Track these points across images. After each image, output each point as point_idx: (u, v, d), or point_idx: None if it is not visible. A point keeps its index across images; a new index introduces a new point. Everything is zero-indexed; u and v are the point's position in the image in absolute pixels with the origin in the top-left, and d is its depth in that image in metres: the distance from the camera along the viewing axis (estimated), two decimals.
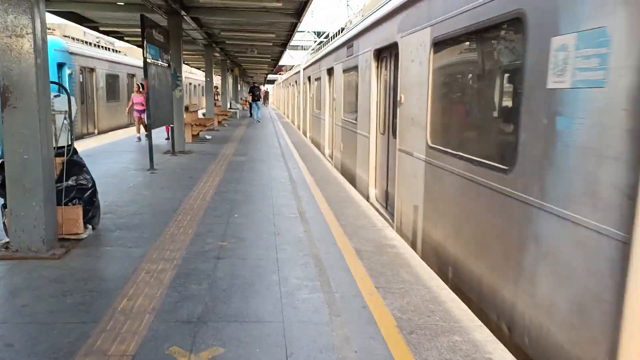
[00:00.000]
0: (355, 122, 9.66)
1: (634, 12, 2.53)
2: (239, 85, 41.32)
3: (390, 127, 7.48)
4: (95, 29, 16.46)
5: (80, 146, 13.03)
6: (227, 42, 19.17)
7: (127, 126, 22.26)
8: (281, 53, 22.47)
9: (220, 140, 16.24)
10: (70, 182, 5.20)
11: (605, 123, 2.71)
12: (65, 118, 5.28)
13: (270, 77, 68.15)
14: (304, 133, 21.35)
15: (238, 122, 26.64)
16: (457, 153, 4.68)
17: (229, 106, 30.03)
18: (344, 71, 11.00)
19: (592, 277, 2.80)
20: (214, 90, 26.82)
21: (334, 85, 12.54)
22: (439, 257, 5.18)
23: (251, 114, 31.27)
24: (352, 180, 10.03)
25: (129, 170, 9.76)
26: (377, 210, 7.83)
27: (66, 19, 14.52)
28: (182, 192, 7.81)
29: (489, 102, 4.28)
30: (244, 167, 10.69)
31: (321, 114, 15.04)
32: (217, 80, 47.56)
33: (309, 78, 18.86)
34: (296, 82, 25.53)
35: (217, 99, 27.79)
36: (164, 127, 14.55)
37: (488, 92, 4.28)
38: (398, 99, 6.56)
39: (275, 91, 72.01)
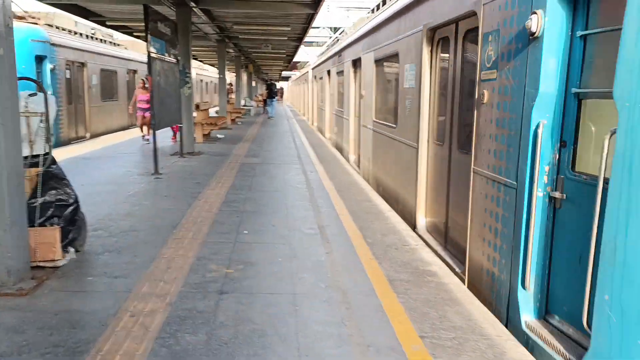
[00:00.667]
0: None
1: None
2: (253, 82, 40.52)
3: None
4: (102, 23, 15.71)
5: (71, 152, 12.33)
6: (240, 36, 18.32)
7: (127, 127, 20.34)
8: (296, 48, 21.58)
9: (232, 140, 15.40)
10: (47, 198, 4.36)
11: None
12: (41, 121, 4.44)
13: (284, 73, 67.44)
14: (321, 132, 20.30)
15: (252, 119, 25.84)
16: (383, 122, 8.76)
17: (242, 103, 29.25)
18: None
19: (411, 162, 6.70)
20: (227, 87, 26.10)
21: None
22: (377, 183, 9.30)
23: (265, 111, 30.79)
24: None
25: (132, 175, 8.94)
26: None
27: (70, 12, 13.78)
28: (187, 202, 6.96)
29: (393, 94, 8.13)
30: (256, 170, 9.82)
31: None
32: (231, 77, 46.91)
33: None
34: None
35: (231, 97, 27.01)
36: (169, 127, 13.48)
37: (393, 89, 8.19)
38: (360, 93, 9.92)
39: (290, 88, 71.14)
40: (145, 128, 14.12)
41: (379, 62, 9.26)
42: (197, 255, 4.78)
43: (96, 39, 19.95)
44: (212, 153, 12.29)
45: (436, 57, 6.10)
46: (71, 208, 4.48)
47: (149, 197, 7.28)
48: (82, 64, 17.33)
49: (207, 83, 43.34)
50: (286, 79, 77.86)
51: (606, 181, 2.71)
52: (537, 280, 3.68)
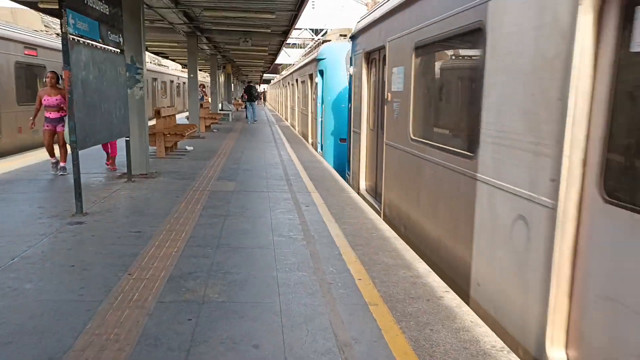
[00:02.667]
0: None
1: None
2: (232, 85, 37.49)
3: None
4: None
5: None
6: (213, 28, 15.43)
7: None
8: (280, 45, 18.74)
9: (203, 153, 12.50)
10: None
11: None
12: None
13: (266, 76, 64.51)
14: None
15: (230, 126, 22.89)
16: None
17: (219, 108, 26.28)
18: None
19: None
20: (199, 89, 23.27)
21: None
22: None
23: (247, 116, 28.10)
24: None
25: (39, 218, 5.98)
26: None
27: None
28: (103, 283, 4.06)
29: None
30: (230, 204, 6.96)
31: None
32: (203, 78, 43.79)
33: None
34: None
35: (206, 99, 24.03)
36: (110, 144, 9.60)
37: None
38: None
39: (270, 91, 68.12)
40: (58, 149, 9.06)
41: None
42: None
43: None
44: (174, 174, 9.36)
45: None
46: None
47: (42, 269, 4.35)
48: None
49: (177, 84, 39.89)
50: (267, 81, 74.98)
51: None
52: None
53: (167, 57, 27.70)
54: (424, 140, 5.56)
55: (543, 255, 3.17)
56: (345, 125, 12.06)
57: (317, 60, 14.90)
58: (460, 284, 4.43)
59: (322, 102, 14.39)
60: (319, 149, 15.17)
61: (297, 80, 22.78)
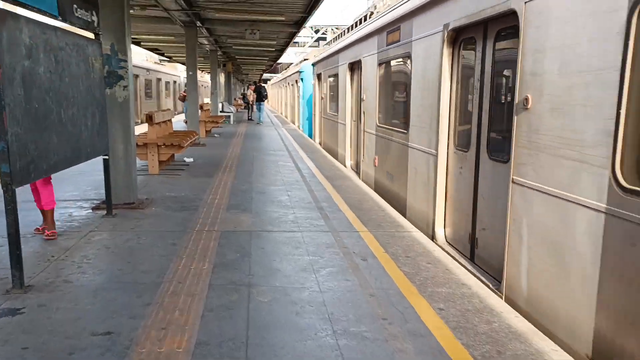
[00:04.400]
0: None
1: None
2: (231, 84, 35.13)
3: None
4: None
5: None
6: (216, 17, 13.19)
7: None
8: (292, 37, 16.48)
9: (206, 167, 10.24)
10: None
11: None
12: None
13: (265, 76, 62.16)
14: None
15: (232, 129, 20.62)
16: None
17: (220, 109, 24.03)
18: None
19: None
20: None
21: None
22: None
23: (249, 118, 26.22)
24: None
25: None
26: None
27: None
28: None
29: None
30: (251, 259, 4.70)
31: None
32: (197, 77, 41.25)
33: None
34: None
35: (205, 102, 21.72)
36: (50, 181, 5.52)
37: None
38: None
39: (269, 91, 65.80)
40: None
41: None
42: None
43: None
44: (171, 201, 7.10)
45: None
46: None
47: None
48: None
49: (170, 83, 37.07)
50: (266, 81, 72.54)
51: None
52: None
53: (162, 55, 25.39)
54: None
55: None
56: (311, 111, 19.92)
57: (298, 72, 22.94)
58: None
59: (302, 99, 22.24)
60: (300, 127, 23.15)
61: (288, 84, 30.39)
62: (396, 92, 8.11)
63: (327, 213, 6.63)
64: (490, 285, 4.54)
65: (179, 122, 22.32)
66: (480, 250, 5.05)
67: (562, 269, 3.45)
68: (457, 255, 5.38)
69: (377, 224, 6.14)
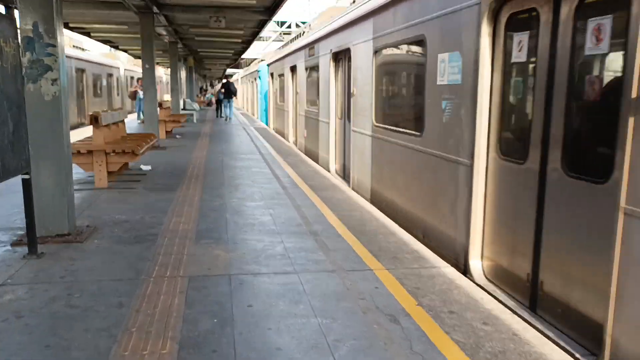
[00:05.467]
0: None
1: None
2: (194, 80, 33.06)
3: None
4: None
5: None
6: (175, 2, 11.51)
7: None
8: (262, 26, 14.87)
9: (167, 176, 8.62)
10: None
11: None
12: None
13: (229, 71, 59.93)
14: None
15: (196, 129, 18.87)
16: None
17: (181, 107, 22.19)
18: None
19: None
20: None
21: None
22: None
23: (218, 115, 24.86)
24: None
25: None
26: None
27: None
28: None
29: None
30: (235, 330, 3.21)
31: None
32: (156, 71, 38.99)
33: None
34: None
35: (165, 99, 19.88)
36: None
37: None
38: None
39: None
40: None
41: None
42: None
43: None
44: (120, 229, 5.49)
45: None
46: None
47: None
48: None
49: (121, 79, 33.02)
50: (229, 77, 70.11)
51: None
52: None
53: (117, 47, 23.28)
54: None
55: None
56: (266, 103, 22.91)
57: (257, 71, 26.36)
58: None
59: (260, 94, 25.80)
60: (258, 117, 26.71)
61: (249, 80, 33.18)
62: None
63: (324, 240, 5.18)
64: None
65: (133, 121, 20.40)
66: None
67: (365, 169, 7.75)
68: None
69: (392, 256, 4.74)
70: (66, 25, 15.17)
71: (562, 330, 3.51)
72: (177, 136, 16.01)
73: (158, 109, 14.30)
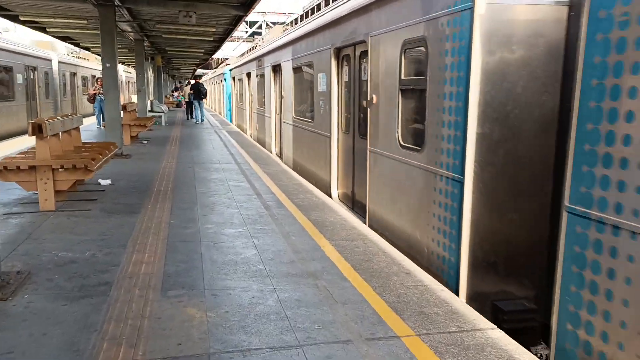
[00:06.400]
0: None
1: None
2: (162, 80, 31.40)
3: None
4: None
5: None
6: None
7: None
8: (237, 22, 13.64)
9: (129, 193, 7.35)
10: None
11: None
12: None
13: (199, 71, 58.08)
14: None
15: (164, 133, 17.50)
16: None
17: (149, 108, 20.74)
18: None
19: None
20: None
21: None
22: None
23: (189, 117, 23.77)
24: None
25: None
26: None
27: None
28: None
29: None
30: None
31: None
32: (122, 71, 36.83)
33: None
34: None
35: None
36: None
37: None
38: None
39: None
40: None
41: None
42: None
43: None
44: (62, 276, 4.22)
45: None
46: None
47: None
48: None
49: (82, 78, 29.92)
50: (197, 78, 68.08)
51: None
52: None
53: (77, 45, 21.61)
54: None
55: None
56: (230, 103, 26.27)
57: (222, 74, 29.09)
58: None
59: (225, 94, 28.38)
60: (224, 116, 29.48)
61: (216, 82, 35.37)
62: None
63: (327, 287, 4.07)
64: None
65: (92, 125, 18.83)
66: None
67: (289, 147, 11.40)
68: None
69: (418, 311, 3.67)
70: (16, 19, 13.63)
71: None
72: (144, 142, 14.64)
73: (122, 112, 12.94)
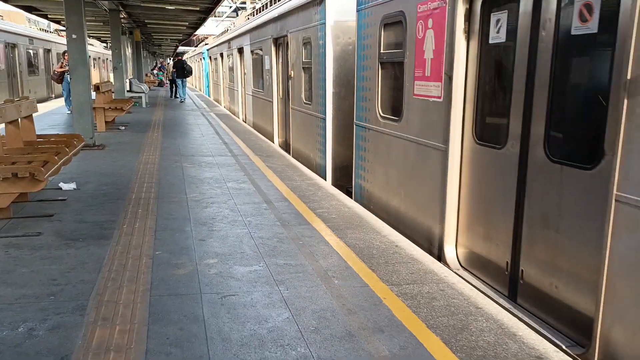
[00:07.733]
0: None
1: None
2: (142, 57, 29.02)
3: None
4: None
5: None
6: None
7: None
8: None
9: (96, 208, 5.52)
10: None
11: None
12: None
13: (180, 49, 55.32)
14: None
15: (145, 116, 15.51)
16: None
17: (127, 88, 18.67)
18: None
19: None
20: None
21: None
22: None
23: (172, 95, 24.31)
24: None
25: None
26: None
27: None
28: None
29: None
30: None
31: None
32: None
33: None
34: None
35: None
36: None
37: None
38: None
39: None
40: None
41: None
42: None
43: None
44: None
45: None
46: None
47: None
48: None
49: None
50: (180, 55, 65.06)
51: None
52: None
53: (45, 17, 19.28)
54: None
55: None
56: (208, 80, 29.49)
57: (202, 53, 31.99)
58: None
59: (204, 71, 31.65)
60: (205, 92, 31.65)
61: (196, 60, 37.97)
62: None
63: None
64: None
65: (60, 108, 16.69)
66: None
67: (250, 112, 15.16)
68: None
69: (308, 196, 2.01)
70: None
71: None
72: (121, 127, 12.69)
73: (93, 93, 10.98)
